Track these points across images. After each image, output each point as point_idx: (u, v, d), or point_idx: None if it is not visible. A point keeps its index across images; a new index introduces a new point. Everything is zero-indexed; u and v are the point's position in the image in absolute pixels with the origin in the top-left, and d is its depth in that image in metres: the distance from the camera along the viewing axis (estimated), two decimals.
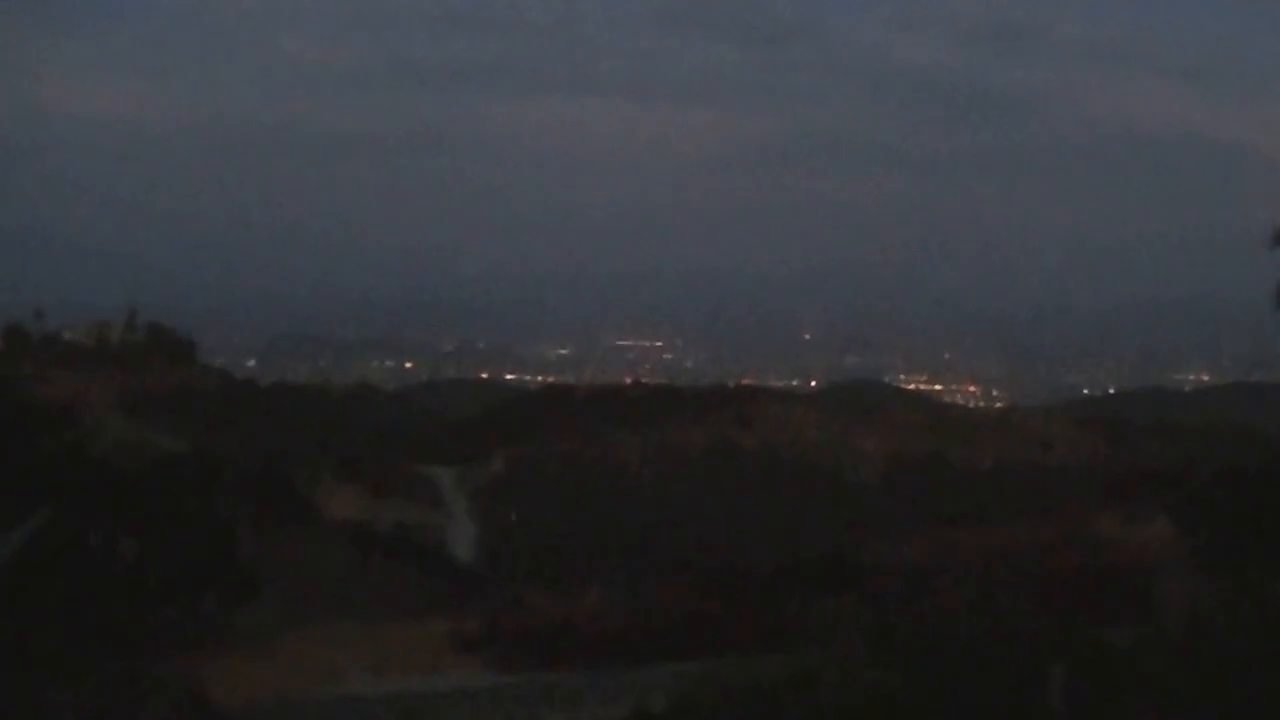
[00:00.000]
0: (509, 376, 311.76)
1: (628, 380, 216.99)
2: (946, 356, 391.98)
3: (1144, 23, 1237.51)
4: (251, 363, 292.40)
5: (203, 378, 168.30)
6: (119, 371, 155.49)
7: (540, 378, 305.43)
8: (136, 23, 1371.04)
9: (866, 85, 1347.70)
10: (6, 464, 37.05)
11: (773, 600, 38.70)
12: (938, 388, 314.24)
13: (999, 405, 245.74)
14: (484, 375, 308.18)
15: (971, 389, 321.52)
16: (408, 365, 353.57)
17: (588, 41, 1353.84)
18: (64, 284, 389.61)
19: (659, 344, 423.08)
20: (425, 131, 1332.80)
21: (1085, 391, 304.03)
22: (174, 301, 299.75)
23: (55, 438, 43.28)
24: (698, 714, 20.53)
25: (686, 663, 33.40)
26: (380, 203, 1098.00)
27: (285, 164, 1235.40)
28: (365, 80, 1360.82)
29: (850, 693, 19.06)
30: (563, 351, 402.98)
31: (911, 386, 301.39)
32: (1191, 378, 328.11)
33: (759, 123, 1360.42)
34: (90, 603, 37.91)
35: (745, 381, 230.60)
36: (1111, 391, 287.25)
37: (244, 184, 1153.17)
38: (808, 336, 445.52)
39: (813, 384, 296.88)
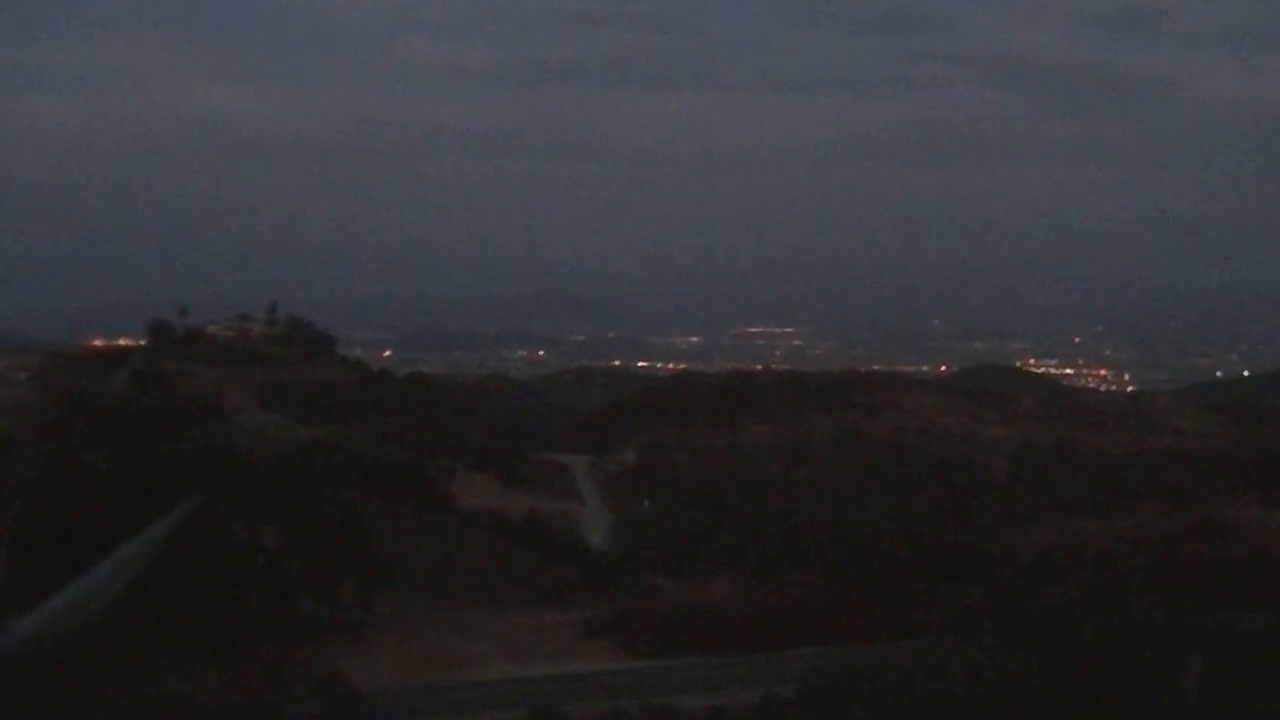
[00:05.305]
0: (640, 365, 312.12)
1: (757, 368, 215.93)
2: (1076, 340, 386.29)
3: (1272, 3, 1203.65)
4: (388, 353, 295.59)
5: (340, 370, 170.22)
6: (260, 365, 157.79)
7: (671, 365, 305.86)
8: (263, 27, 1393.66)
9: (991, 73, 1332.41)
10: (152, 457, 38.26)
11: (902, 588, 38.79)
12: (1068, 371, 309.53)
13: (1129, 389, 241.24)
14: (615, 364, 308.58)
15: (1101, 373, 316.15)
16: (540, 354, 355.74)
17: (713, 36, 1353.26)
18: (207, 282, 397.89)
19: (788, 331, 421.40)
20: (551, 130, 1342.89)
21: (1218, 374, 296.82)
22: (312, 297, 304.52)
23: (199, 431, 44.55)
24: (828, 700, 20.78)
25: (816, 649, 33.68)
26: (508, 199, 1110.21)
27: (416, 163, 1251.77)
28: (490, 79, 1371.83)
29: (980, 680, 19.19)
30: (693, 339, 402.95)
31: (1041, 371, 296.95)
32: None
33: (883, 112, 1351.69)
34: (234, 592, 39.07)
35: (874, 368, 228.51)
36: (1245, 374, 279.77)
37: (372, 183, 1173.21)
38: (936, 322, 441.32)
39: (942, 369, 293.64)
